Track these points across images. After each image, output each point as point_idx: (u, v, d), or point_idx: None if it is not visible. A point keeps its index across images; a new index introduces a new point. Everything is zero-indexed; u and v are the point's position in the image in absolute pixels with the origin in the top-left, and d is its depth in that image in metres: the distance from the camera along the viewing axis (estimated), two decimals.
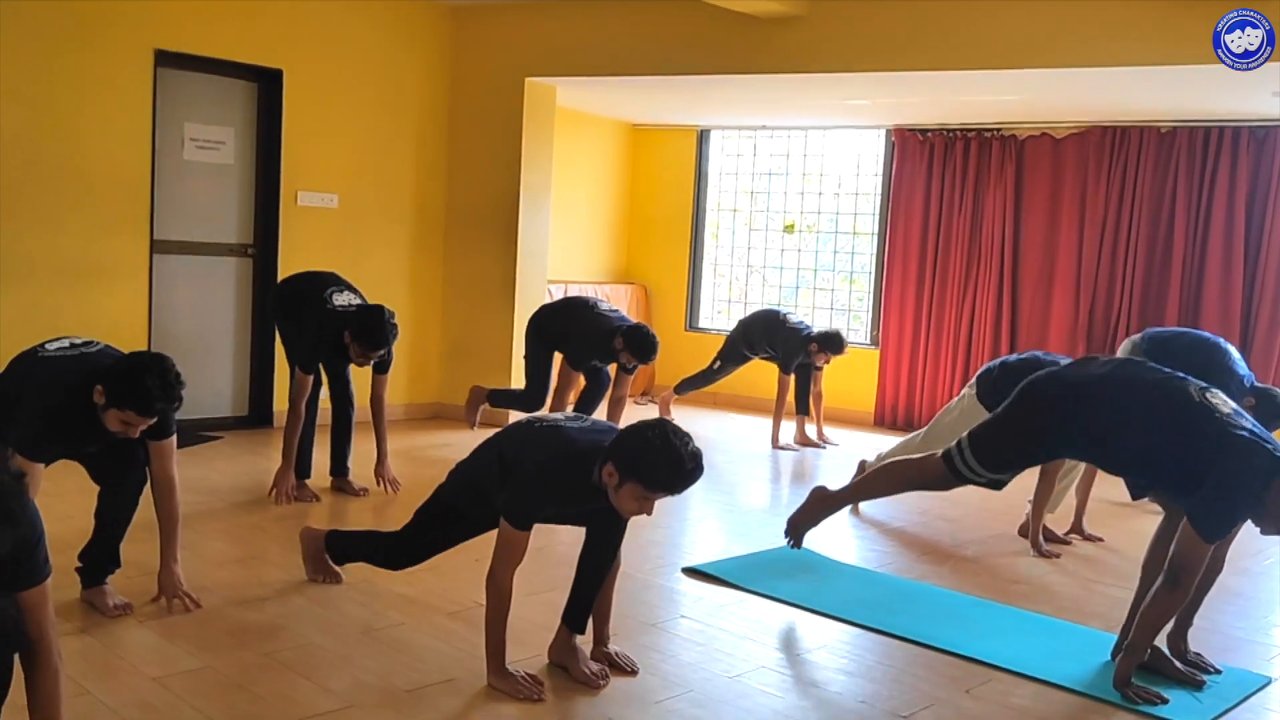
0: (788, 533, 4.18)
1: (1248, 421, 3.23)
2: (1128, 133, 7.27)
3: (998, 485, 3.70)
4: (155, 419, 3.16)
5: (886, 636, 3.69)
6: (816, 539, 4.47)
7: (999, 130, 7.69)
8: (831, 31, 6.11)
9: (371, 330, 4.76)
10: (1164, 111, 6.98)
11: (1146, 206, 7.25)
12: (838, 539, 4.88)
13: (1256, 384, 5.22)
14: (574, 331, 5.99)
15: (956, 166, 7.84)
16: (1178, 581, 3.15)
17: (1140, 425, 3.27)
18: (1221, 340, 5.36)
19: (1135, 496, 3.64)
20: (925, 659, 3.52)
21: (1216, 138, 7.01)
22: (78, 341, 3.35)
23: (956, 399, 5.17)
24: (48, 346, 3.32)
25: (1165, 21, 5.23)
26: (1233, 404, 3.29)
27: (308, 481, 5.11)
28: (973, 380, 5.00)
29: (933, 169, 7.93)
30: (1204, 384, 3.33)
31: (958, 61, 5.82)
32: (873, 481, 4.23)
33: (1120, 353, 5.42)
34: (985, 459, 3.56)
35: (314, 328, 4.91)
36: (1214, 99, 6.36)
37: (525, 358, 6.28)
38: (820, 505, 4.17)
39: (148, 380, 3.08)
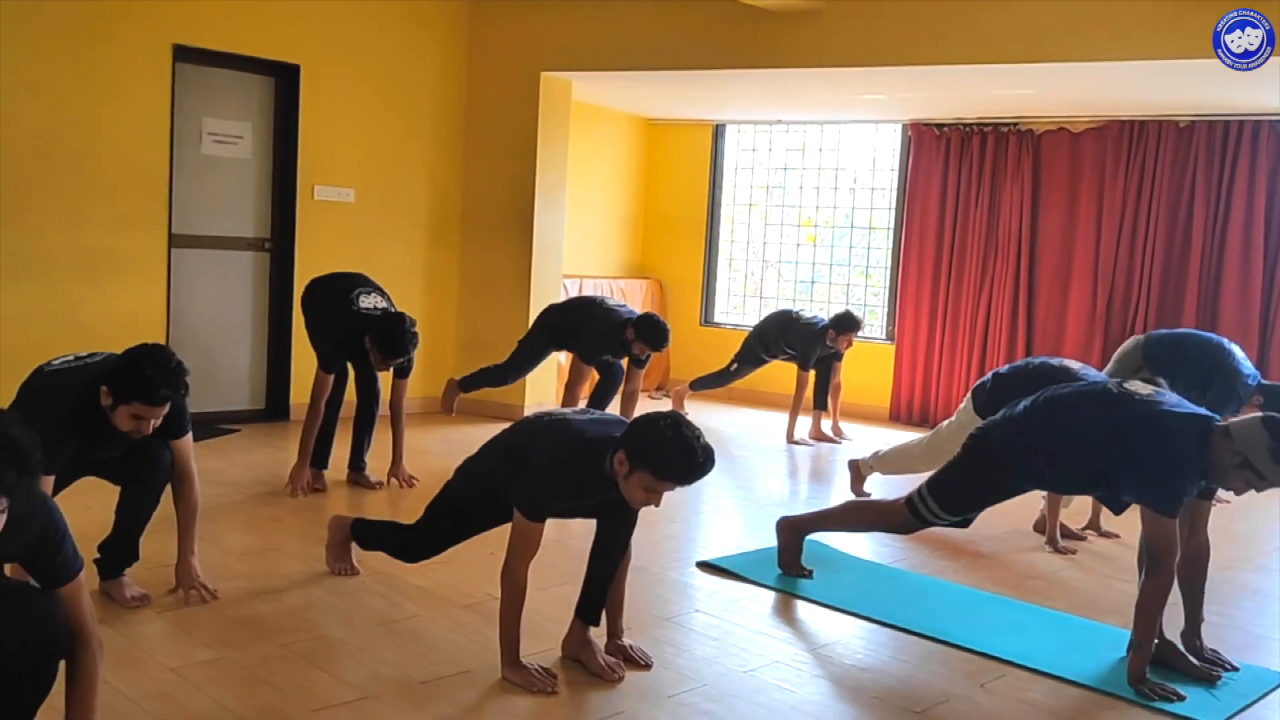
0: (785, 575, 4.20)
1: (1169, 397, 3.38)
2: (1146, 127, 7.23)
3: (965, 524, 3.86)
4: (165, 408, 3.17)
5: (901, 631, 3.69)
6: (830, 533, 4.47)
7: (1016, 125, 7.66)
8: (847, 25, 6.09)
9: (391, 338, 4.78)
10: (1182, 105, 6.94)
11: (1165, 201, 7.21)
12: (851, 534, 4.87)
13: (1264, 382, 5.25)
14: (584, 329, 6.00)
15: (973, 161, 7.81)
16: (1158, 564, 3.23)
17: (1074, 435, 3.43)
18: (1225, 340, 5.38)
19: (1116, 511, 3.66)
20: (940, 654, 3.52)
21: (1235, 132, 6.96)
22: (81, 355, 3.39)
23: (956, 412, 5.15)
24: (53, 363, 3.35)
25: (1182, 15, 5.20)
26: (1151, 386, 3.44)
27: (324, 473, 5.15)
28: (969, 394, 4.98)
29: (949, 164, 7.91)
30: (1119, 378, 3.49)
31: (974, 56, 5.80)
32: (837, 516, 4.31)
33: (1119, 354, 5.40)
34: (947, 505, 3.73)
35: (337, 328, 4.94)
36: (1232, 93, 6.32)
37: (520, 341, 6.31)
38: (792, 534, 4.23)
39: (147, 369, 3.09)
